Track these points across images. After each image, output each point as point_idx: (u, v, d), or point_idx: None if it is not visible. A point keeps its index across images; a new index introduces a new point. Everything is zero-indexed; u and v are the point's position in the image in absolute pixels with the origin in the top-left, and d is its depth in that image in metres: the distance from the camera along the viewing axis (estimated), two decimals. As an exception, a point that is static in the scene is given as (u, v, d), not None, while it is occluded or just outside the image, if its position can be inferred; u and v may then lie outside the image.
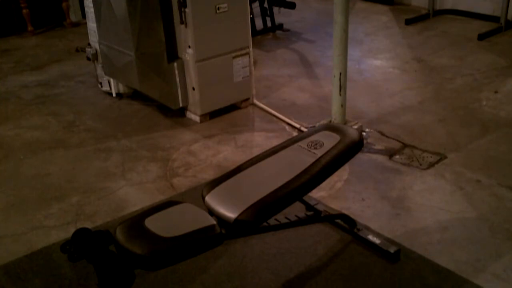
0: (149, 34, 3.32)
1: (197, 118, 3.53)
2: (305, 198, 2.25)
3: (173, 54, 3.43)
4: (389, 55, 4.57)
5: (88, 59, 3.92)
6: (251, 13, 4.35)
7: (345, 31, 2.95)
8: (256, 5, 5.17)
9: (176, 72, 3.42)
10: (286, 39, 5.13)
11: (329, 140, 2.07)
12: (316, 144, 2.06)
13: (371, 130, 3.30)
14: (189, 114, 3.59)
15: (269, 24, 5.29)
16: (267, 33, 5.30)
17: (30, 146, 3.33)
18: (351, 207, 2.58)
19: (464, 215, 2.48)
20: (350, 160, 2.12)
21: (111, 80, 3.87)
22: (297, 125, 3.36)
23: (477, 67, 4.19)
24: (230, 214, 1.73)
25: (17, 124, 3.64)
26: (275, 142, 3.10)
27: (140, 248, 1.59)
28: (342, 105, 3.14)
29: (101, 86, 3.98)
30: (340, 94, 3.10)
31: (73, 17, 5.98)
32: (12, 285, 2.19)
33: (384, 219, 2.48)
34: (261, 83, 4.06)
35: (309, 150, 2.03)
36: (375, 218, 2.49)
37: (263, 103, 3.71)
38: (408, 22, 5.36)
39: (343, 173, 2.84)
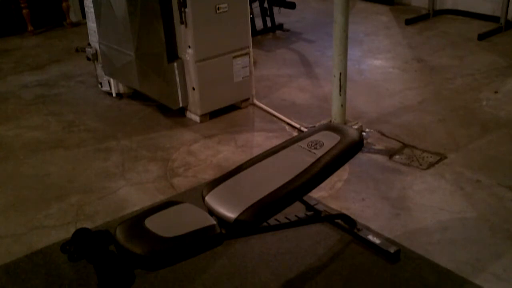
0: (149, 34, 3.32)
1: (197, 118, 3.53)
2: (305, 198, 2.25)
3: (173, 54, 3.43)
4: (389, 55, 4.57)
5: (88, 59, 3.92)
6: (251, 13, 4.35)
7: (345, 31, 2.96)
8: (256, 5, 5.17)
9: (176, 72, 3.42)
10: (286, 39, 5.13)
11: (329, 140, 2.07)
12: (316, 144, 2.06)
13: (371, 130, 3.29)
14: (189, 114, 3.59)
15: (269, 24, 5.30)
16: (267, 33, 5.30)
17: (30, 146, 3.33)
18: (351, 207, 2.58)
19: (464, 215, 2.48)
20: (350, 160, 2.12)
21: (111, 80, 3.87)
22: (297, 125, 3.36)
23: (477, 67, 4.19)
24: (230, 214, 1.73)
25: (17, 124, 3.64)
26: (275, 142, 3.10)
27: (140, 248, 1.59)
28: (342, 105, 3.14)
29: (101, 86, 3.99)
30: (340, 94, 3.10)
31: (73, 17, 5.99)
32: (12, 285, 2.19)
33: (384, 219, 2.48)
34: (261, 83, 4.06)
35: (309, 150, 2.03)
36: (375, 218, 2.49)
37: (263, 103, 3.71)
38: (408, 22, 5.36)
39: (343, 173, 2.84)
